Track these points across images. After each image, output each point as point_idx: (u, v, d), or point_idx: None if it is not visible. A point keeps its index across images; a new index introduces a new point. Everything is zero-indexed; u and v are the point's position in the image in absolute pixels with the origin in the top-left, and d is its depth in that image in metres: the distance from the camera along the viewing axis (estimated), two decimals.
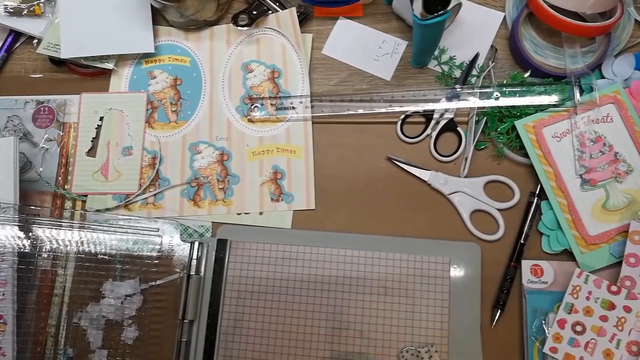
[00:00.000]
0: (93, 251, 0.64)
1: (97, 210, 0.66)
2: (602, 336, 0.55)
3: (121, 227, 0.64)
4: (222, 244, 0.63)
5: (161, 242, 0.64)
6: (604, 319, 0.55)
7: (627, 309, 0.55)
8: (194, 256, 0.62)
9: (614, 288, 0.56)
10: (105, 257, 0.63)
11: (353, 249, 0.62)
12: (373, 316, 0.60)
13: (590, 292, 0.56)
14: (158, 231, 0.64)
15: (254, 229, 0.65)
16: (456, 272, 0.61)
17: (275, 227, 0.65)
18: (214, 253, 0.63)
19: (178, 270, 0.63)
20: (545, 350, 0.56)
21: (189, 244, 0.63)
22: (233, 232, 0.64)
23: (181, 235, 0.65)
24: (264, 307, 0.61)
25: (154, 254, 0.64)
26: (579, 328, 0.55)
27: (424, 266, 0.61)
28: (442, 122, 0.66)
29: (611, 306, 0.56)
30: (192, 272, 0.62)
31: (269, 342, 0.61)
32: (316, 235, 0.63)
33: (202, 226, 0.65)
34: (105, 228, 0.64)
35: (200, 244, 0.63)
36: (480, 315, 0.60)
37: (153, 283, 0.63)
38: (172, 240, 0.64)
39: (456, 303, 0.60)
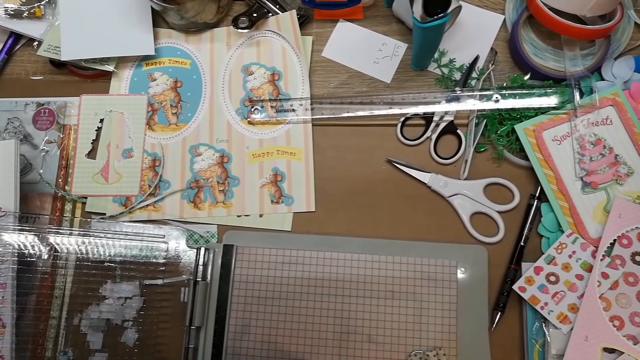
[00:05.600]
0: (97, 258, 0.64)
1: (102, 218, 0.66)
2: (572, 291, 0.58)
3: (126, 234, 0.64)
4: (228, 250, 0.63)
5: (167, 248, 0.64)
6: (579, 277, 0.58)
7: (605, 275, 0.57)
8: (201, 262, 0.62)
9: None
10: (112, 264, 0.63)
11: (359, 252, 0.62)
12: (381, 320, 0.60)
13: (574, 252, 0.59)
14: (164, 237, 0.64)
15: (260, 233, 0.65)
16: (463, 275, 0.61)
17: (276, 230, 0.65)
18: (220, 259, 0.63)
19: (185, 276, 0.63)
20: (515, 287, 0.59)
21: (195, 250, 0.63)
22: (239, 237, 0.64)
23: (187, 241, 0.65)
24: (271, 313, 0.61)
25: (160, 260, 0.63)
26: (552, 278, 0.58)
27: (430, 269, 0.61)
28: (442, 125, 0.66)
29: (590, 269, 0.58)
30: (199, 278, 0.62)
31: (277, 347, 0.61)
32: (323, 240, 0.63)
33: (208, 232, 0.65)
34: (110, 235, 0.64)
35: (206, 249, 0.63)
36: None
37: (158, 282, 0.63)
38: (178, 247, 0.64)
39: (463, 306, 0.60)
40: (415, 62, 0.68)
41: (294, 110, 0.68)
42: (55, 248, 0.64)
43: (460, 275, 0.61)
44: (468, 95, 0.65)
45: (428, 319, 0.60)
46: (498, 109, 0.64)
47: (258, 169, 0.67)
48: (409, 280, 0.61)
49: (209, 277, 0.62)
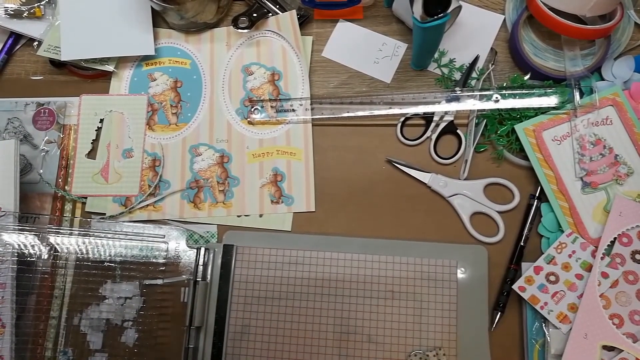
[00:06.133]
0: (97, 258, 0.64)
1: (102, 218, 0.66)
2: (572, 291, 0.58)
3: (126, 234, 0.64)
4: (228, 250, 0.63)
5: (167, 248, 0.64)
6: (579, 277, 0.58)
7: (605, 275, 0.57)
8: (201, 262, 0.62)
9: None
10: (111, 264, 0.63)
11: (359, 253, 0.62)
12: (381, 320, 0.60)
13: (574, 252, 0.59)
14: (164, 237, 0.64)
15: (260, 233, 0.65)
16: (463, 275, 0.61)
17: (276, 230, 0.65)
18: (220, 259, 0.63)
19: (185, 276, 0.63)
20: (515, 287, 0.59)
21: (195, 250, 0.63)
22: (239, 237, 0.64)
23: (187, 241, 0.65)
24: (271, 313, 0.61)
25: (160, 260, 0.63)
26: (552, 278, 0.58)
27: (430, 269, 0.61)
28: (442, 125, 0.66)
29: (590, 268, 0.58)
30: (199, 278, 0.62)
31: (277, 347, 0.61)
32: (322, 240, 0.63)
33: (208, 232, 0.65)
34: (110, 235, 0.64)
35: (206, 249, 0.63)
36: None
37: (158, 282, 0.63)
38: (178, 247, 0.64)
39: (463, 306, 0.60)
40: (415, 62, 0.68)
41: (293, 110, 0.68)
42: (55, 248, 0.64)
43: (460, 275, 0.61)
44: (468, 95, 0.65)
45: (428, 319, 0.60)
46: (498, 109, 0.64)
47: (258, 169, 0.67)
48: (409, 280, 0.61)
49: (209, 277, 0.62)
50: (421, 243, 0.62)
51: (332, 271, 0.62)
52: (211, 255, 0.63)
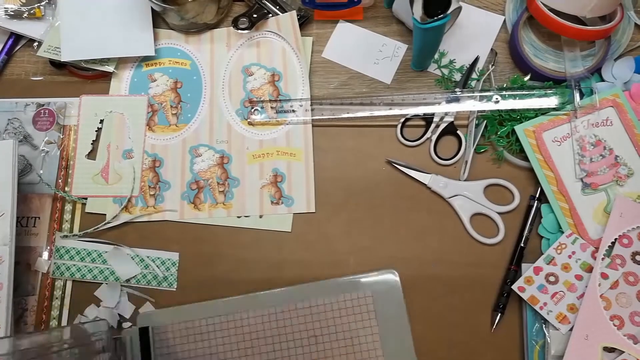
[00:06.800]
0: None
1: (70, 235, 0.65)
2: (572, 292, 0.58)
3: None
4: (144, 332, 0.60)
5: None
6: (578, 277, 0.58)
7: (605, 276, 0.57)
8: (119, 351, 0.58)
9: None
10: None
11: (275, 305, 0.61)
12: None
13: (573, 252, 0.59)
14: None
15: (171, 310, 0.62)
16: (379, 304, 0.60)
17: (276, 230, 0.65)
18: (138, 343, 0.60)
19: None
20: (514, 287, 0.59)
21: (113, 340, 0.58)
22: (153, 317, 0.62)
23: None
24: None
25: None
26: (552, 279, 0.58)
27: (347, 304, 0.61)
28: (442, 126, 0.66)
29: (590, 269, 0.58)
30: None
31: None
32: (235, 302, 0.61)
33: (169, 259, 0.64)
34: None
35: (119, 338, 0.59)
36: (481, 319, 0.60)
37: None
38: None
39: (387, 334, 0.59)
40: (416, 63, 0.68)
41: (294, 111, 0.68)
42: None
43: (376, 305, 0.60)
44: (468, 96, 0.65)
45: (355, 355, 0.59)
46: (498, 110, 0.64)
47: (258, 170, 0.67)
48: (328, 320, 0.60)
49: None
50: (332, 281, 0.62)
51: (251, 330, 0.60)
52: (128, 341, 0.60)
